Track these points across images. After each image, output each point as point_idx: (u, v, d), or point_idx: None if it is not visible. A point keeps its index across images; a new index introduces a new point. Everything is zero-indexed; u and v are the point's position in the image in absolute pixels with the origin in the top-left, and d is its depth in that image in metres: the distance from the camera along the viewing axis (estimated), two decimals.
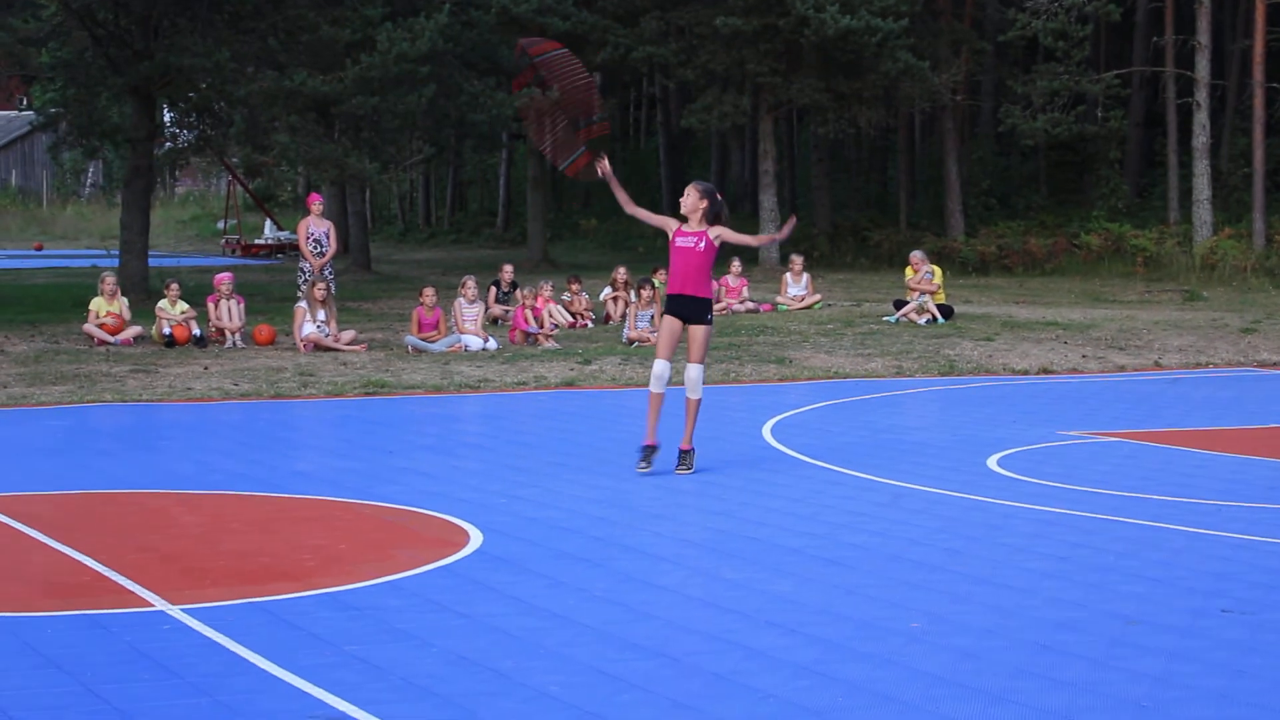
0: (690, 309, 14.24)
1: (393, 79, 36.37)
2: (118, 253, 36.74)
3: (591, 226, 63.35)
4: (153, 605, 9.44)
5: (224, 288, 26.04)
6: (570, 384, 21.09)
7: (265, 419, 18.36)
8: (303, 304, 25.10)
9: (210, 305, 26.01)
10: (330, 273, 27.03)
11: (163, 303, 25.90)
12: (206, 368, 22.42)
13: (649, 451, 14.28)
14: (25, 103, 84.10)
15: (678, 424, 14.67)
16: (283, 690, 7.83)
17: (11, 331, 27.45)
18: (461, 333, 25.00)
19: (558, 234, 60.83)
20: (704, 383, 14.47)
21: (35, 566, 10.60)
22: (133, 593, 9.75)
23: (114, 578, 10.14)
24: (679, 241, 14.34)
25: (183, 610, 9.28)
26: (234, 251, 59.97)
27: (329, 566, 10.58)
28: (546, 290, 27.49)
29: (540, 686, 7.89)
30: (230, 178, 61.87)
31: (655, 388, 14.22)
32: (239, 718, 7.40)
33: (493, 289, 29.63)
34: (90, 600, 9.60)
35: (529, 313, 26.19)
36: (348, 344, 24.60)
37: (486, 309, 26.81)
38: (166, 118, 42.52)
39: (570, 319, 28.68)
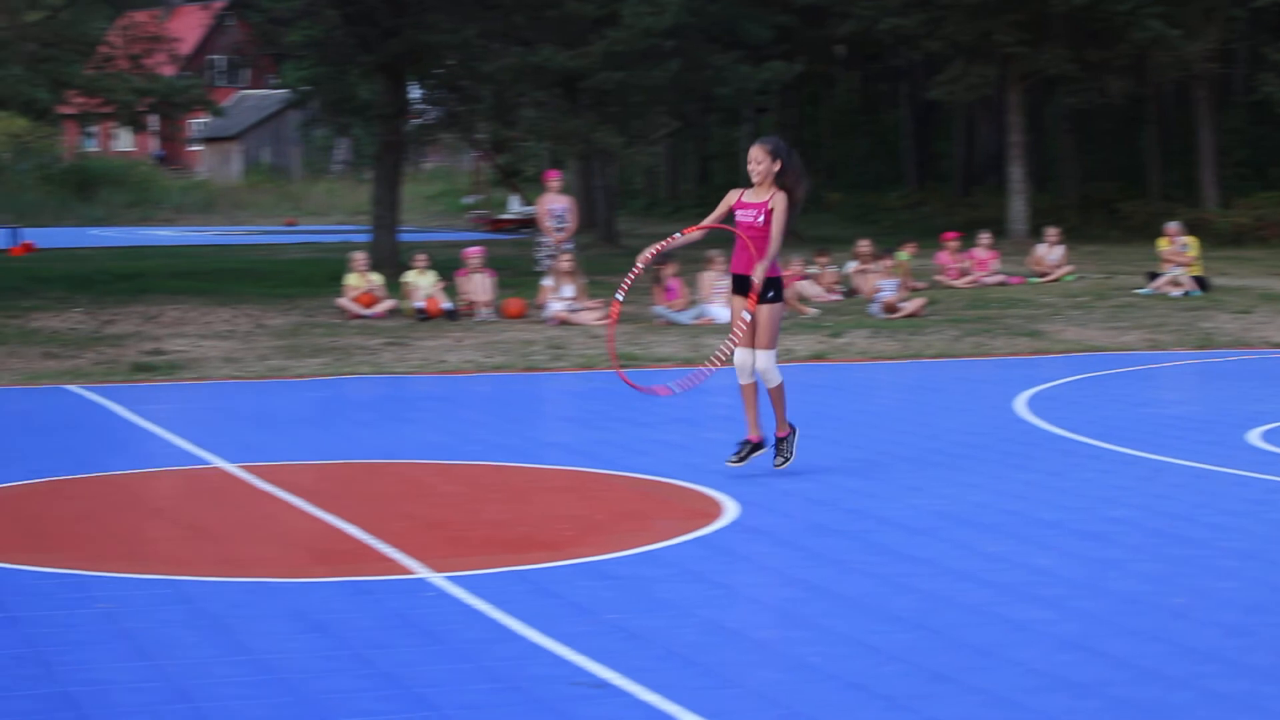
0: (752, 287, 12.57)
1: (638, 53, 36.56)
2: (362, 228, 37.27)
3: (836, 200, 63.08)
4: (415, 573, 9.58)
5: (474, 261, 26.34)
6: (819, 357, 21.02)
7: (517, 391, 18.54)
8: (549, 280, 25.30)
9: (460, 279, 26.31)
10: (571, 247, 27.15)
11: (409, 274, 26.27)
12: (459, 341, 22.70)
13: (748, 447, 12.75)
14: (277, 81, 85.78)
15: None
16: (545, 658, 7.90)
17: (269, 306, 28.02)
18: (710, 305, 25.03)
19: (802, 207, 60.50)
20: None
21: (301, 534, 10.81)
22: (395, 560, 9.90)
23: (377, 545, 10.30)
24: (739, 215, 12.59)
25: (445, 578, 9.40)
26: (480, 226, 60.57)
27: (586, 536, 10.66)
28: (796, 264, 27.43)
29: (801, 657, 7.88)
30: (477, 153, 62.49)
31: (742, 379, 12.81)
32: (504, 684, 7.48)
33: None
34: (355, 567, 9.76)
35: None
36: (593, 320, 24.72)
37: None
38: (415, 94, 43.06)
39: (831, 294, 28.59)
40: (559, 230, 27.67)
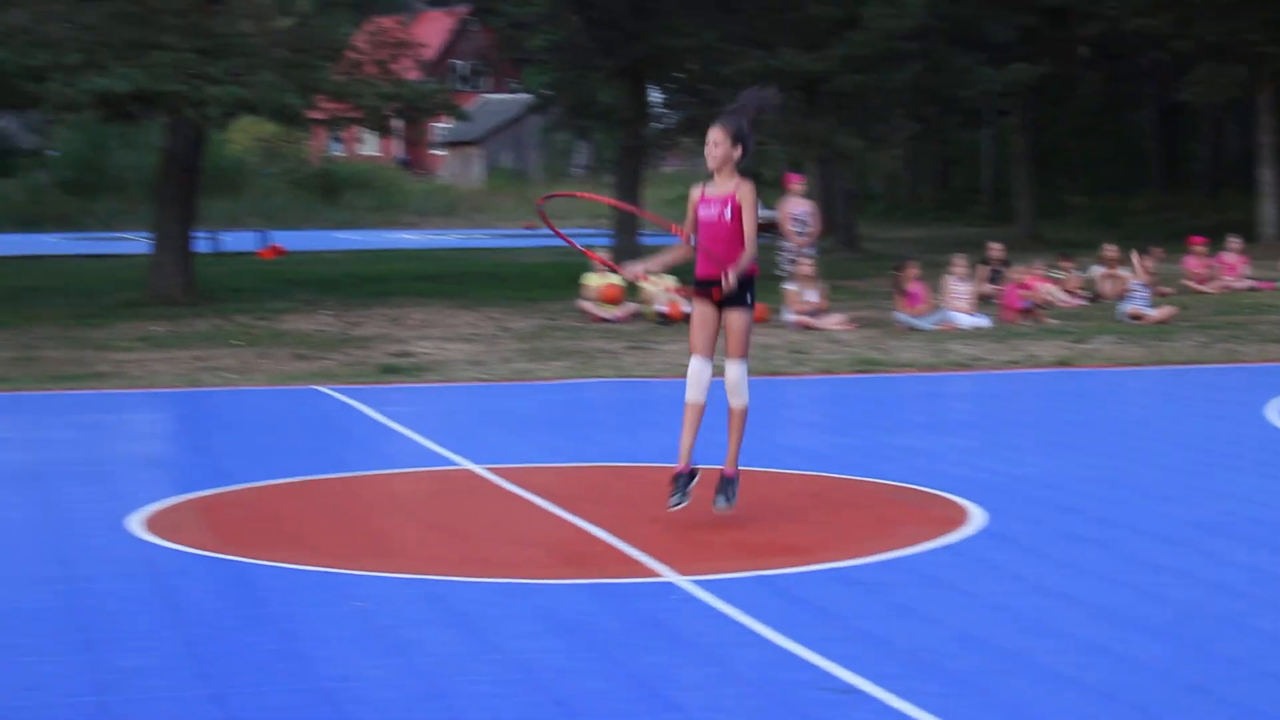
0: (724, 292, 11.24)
1: (879, 56, 36.38)
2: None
3: (1080, 203, 62.28)
4: (662, 576, 9.62)
5: None
6: (1064, 363, 20.77)
7: (759, 396, 18.48)
8: (793, 285, 25.30)
9: None
10: (812, 252, 27.08)
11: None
12: None
13: (682, 480, 11.09)
14: (518, 86, 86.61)
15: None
16: (792, 662, 7.89)
17: (512, 308, 28.33)
18: (953, 310, 24.87)
19: (1045, 211, 59.90)
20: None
21: (548, 535, 10.90)
22: (641, 563, 9.95)
23: (623, 548, 10.36)
24: (702, 212, 11.18)
25: (691, 581, 9.44)
26: None
27: (833, 542, 10.64)
28: (1040, 268, 27.14)
29: (1051, 666, 7.80)
30: None
31: (693, 395, 11.23)
32: (751, 688, 7.49)
33: (982, 267, 29.37)
34: (601, 569, 9.83)
35: (1022, 293, 25.91)
36: (835, 325, 24.69)
37: (977, 287, 26.64)
38: (655, 98, 43.24)
39: (1066, 297, 28.25)
40: (801, 234, 27.61)
